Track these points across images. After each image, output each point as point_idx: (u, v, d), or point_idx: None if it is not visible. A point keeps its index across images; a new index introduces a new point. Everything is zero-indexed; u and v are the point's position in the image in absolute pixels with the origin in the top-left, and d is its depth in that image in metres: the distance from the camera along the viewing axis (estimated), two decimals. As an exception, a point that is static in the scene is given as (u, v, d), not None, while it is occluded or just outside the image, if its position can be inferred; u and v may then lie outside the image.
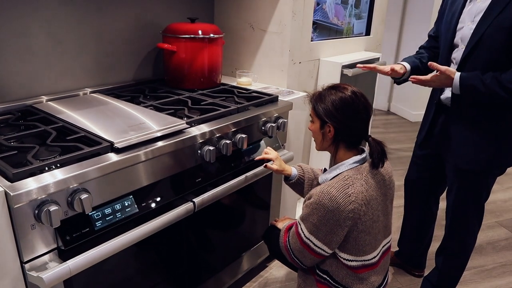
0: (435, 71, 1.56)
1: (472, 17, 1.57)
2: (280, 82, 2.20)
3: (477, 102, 1.60)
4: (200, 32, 1.88)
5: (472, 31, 1.55)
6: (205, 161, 1.49)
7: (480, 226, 1.87)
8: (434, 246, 2.11)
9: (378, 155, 1.37)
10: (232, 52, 2.36)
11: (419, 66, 1.82)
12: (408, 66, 1.80)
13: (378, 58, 2.88)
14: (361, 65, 1.79)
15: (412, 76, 1.63)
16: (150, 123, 1.43)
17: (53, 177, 1.09)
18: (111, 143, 1.25)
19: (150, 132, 1.35)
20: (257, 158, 1.68)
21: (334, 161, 1.44)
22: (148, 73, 2.12)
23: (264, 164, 1.66)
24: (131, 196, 1.29)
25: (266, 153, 1.67)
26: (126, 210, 1.27)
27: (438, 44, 1.80)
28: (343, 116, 1.35)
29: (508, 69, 1.49)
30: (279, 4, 2.09)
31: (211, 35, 1.91)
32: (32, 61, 1.67)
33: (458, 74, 1.54)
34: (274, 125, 1.78)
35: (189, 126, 1.47)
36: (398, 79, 1.83)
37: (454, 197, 1.79)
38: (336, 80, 2.38)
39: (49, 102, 1.68)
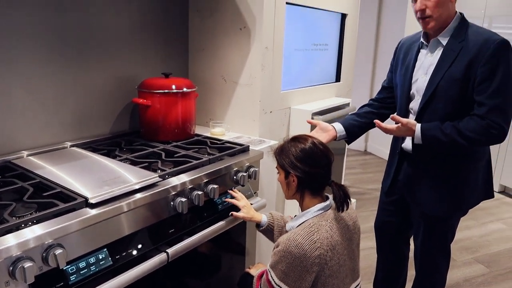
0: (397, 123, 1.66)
1: (425, 70, 1.71)
2: (252, 131, 2.30)
3: (438, 150, 1.70)
4: (173, 87, 1.99)
5: (426, 83, 1.68)
6: (177, 212, 1.56)
7: (448, 266, 1.95)
8: (409, 286, 2.17)
9: (341, 199, 1.45)
10: (206, 103, 2.47)
11: (353, 124, 1.96)
12: (339, 128, 1.94)
13: (348, 104, 3.03)
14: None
15: (376, 121, 1.72)
16: (124, 177, 1.50)
17: (28, 234, 1.14)
18: (86, 199, 1.32)
19: (123, 186, 1.42)
20: (226, 199, 1.77)
21: (301, 209, 1.53)
22: (125, 125, 2.21)
23: (230, 213, 1.74)
24: (105, 249, 1.34)
25: (237, 199, 1.76)
26: (100, 263, 1.31)
27: (392, 94, 1.93)
28: (304, 165, 1.44)
29: (463, 118, 1.61)
30: (248, 58, 2.23)
31: (184, 89, 2.02)
32: (12, 118, 1.74)
33: (419, 126, 1.64)
34: (245, 174, 1.86)
35: (161, 179, 1.54)
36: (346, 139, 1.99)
37: (420, 241, 1.87)
38: (307, 127, 2.49)
39: (28, 157, 1.74)
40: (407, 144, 1.81)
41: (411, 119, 1.73)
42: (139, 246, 1.44)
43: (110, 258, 1.34)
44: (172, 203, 1.55)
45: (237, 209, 1.76)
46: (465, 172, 1.73)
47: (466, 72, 1.58)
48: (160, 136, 2.04)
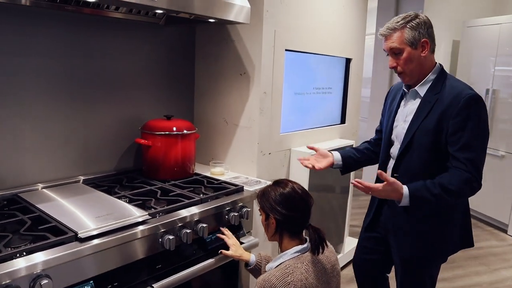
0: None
1: (404, 117, 1.80)
2: (251, 172, 2.40)
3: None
4: (174, 128, 2.12)
5: (405, 131, 1.76)
6: (165, 248, 1.64)
7: None
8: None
9: (316, 242, 1.51)
10: (209, 143, 2.60)
11: (351, 156, 2.04)
12: (337, 157, 2.00)
13: (352, 145, 3.08)
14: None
15: (356, 180, 1.69)
16: (116, 214, 1.61)
17: (18, 264, 1.25)
18: (76, 233, 1.43)
19: (113, 223, 1.53)
20: (218, 235, 1.85)
21: (280, 250, 1.59)
22: (129, 163, 2.34)
23: (220, 251, 1.82)
24: (92, 282, 1.43)
25: (227, 237, 1.84)
26: (86, 294, 1.41)
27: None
28: (282, 208, 1.53)
29: (437, 167, 1.67)
30: (248, 103, 2.36)
31: (184, 131, 2.15)
32: (22, 155, 1.90)
33: (406, 188, 1.64)
34: (237, 214, 1.94)
35: (151, 217, 1.64)
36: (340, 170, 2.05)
37: (400, 283, 1.90)
38: (306, 169, 2.57)
39: (33, 192, 1.88)
40: None
41: (391, 163, 1.82)
42: (125, 280, 1.53)
43: (95, 290, 1.44)
44: (160, 240, 1.64)
45: (227, 247, 1.84)
46: (442, 220, 1.77)
47: (438, 123, 1.65)
48: (160, 175, 2.15)
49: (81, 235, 1.43)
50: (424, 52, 1.69)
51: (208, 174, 2.32)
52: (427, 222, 1.76)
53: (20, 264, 1.26)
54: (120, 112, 2.26)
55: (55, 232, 1.46)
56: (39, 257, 1.30)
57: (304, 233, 1.61)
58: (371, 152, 2.07)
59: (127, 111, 2.29)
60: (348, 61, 3.16)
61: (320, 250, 1.52)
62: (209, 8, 1.83)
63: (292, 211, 1.53)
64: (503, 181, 4.18)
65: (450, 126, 1.63)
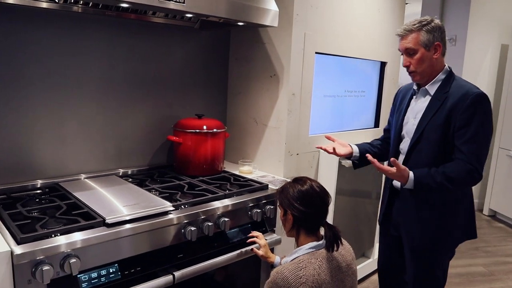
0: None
1: (414, 114, 1.89)
2: (278, 172, 2.46)
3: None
4: (204, 127, 2.22)
5: (415, 127, 1.85)
6: (187, 239, 1.74)
7: None
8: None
9: (330, 239, 1.56)
10: (240, 142, 2.68)
11: (368, 150, 2.13)
12: (355, 149, 2.12)
13: (384, 151, 3.06)
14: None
15: (370, 159, 1.82)
16: (143, 204, 1.72)
17: (51, 243, 1.39)
18: (104, 219, 1.55)
19: (139, 211, 1.64)
20: (249, 241, 1.92)
21: (296, 245, 1.65)
22: (162, 159, 2.47)
23: (251, 248, 1.89)
24: (116, 264, 1.55)
25: (258, 237, 1.91)
26: (110, 276, 1.53)
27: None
28: (300, 205, 1.58)
29: (445, 161, 1.76)
30: (277, 103, 2.42)
31: (214, 130, 2.24)
32: (63, 148, 2.07)
33: (412, 174, 1.77)
34: (259, 211, 2.01)
35: (174, 209, 1.74)
36: (354, 163, 2.15)
37: (413, 275, 1.93)
38: (334, 170, 2.60)
39: (73, 181, 2.04)
40: (397, 182, 1.93)
41: (401, 158, 1.91)
42: (147, 265, 1.64)
43: (119, 273, 1.55)
44: (183, 230, 1.74)
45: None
46: (449, 209, 1.84)
47: (447, 119, 1.75)
48: (189, 171, 2.26)
49: (109, 220, 1.55)
50: (436, 54, 1.80)
51: (236, 172, 2.40)
52: (435, 212, 1.84)
53: (53, 243, 1.39)
54: (156, 111, 2.40)
55: (86, 217, 1.59)
56: (70, 238, 1.43)
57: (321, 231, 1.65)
58: (384, 148, 2.19)
59: (162, 110, 2.42)
60: (383, 64, 3.15)
61: (335, 248, 1.56)
62: (236, 12, 1.91)
63: (309, 208, 1.58)
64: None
65: (458, 121, 1.72)
